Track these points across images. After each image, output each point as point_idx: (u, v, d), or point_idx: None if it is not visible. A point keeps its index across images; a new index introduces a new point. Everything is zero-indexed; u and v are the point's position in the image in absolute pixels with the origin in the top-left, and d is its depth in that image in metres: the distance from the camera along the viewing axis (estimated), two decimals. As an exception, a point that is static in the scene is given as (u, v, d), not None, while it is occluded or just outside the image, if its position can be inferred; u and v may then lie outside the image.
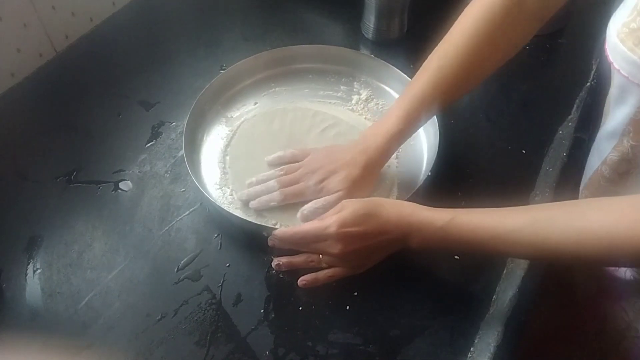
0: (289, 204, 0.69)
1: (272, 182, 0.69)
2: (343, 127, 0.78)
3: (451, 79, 0.65)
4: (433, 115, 0.71)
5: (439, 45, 0.67)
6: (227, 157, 0.76)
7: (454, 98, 0.70)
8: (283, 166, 0.71)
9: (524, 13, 0.64)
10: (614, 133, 0.60)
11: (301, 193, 0.68)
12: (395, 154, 0.75)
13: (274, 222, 0.68)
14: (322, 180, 0.67)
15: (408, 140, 0.76)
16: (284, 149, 0.74)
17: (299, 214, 0.66)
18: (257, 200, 0.69)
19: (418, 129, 0.71)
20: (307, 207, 0.66)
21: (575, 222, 0.52)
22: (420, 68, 0.67)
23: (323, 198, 0.66)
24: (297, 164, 0.71)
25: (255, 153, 0.75)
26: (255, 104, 0.83)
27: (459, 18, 0.66)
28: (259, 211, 0.69)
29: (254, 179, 0.71)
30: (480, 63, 0.66)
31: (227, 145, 0.77)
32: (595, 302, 0.73)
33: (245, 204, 0.70)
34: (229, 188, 0.72)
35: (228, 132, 0.79)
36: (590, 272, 0.73)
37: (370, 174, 0.67)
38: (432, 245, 0.58)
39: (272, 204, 0.68)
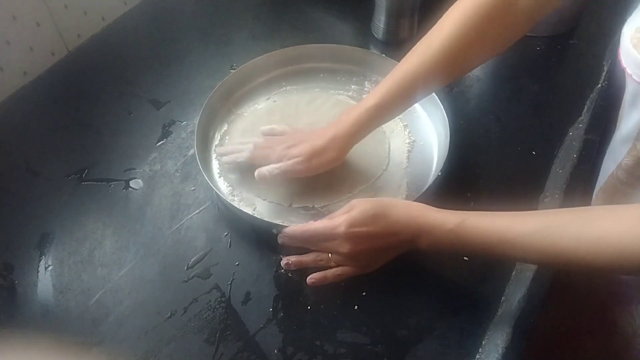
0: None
1: (249, 145, 0.73)
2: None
3: (434, 68, 0.65)
4: (415, 102, 0.72)
5: (427, 34, 0.67)
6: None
7: (435, 87, 0.71)
8: (268, 137, 0.76)
9: (515, 11, 0.63)
10: (628, 137, 0.59)
11: (267, 156, 0.70)
12: (406, 154, 0.75)
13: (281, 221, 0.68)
14: (287, 148, 0.69)
15: (418, 140, 0.77)
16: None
17: (255, 172, 0.69)
18: (228, 156, 0.74)
19: (398, 112, 0.72)
20: (265, 167, 0.69)
21: (586, 229, 0.51)
22: (406, 55, 0.68)
23: (281, 162, 0.68)
24: (278, 137, 0.75)
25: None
26: (267, 98, 0.83)
27: (450, 9, 0.66)
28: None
29: (237, 140, 0.76)
30: (465, 56, 0.66)
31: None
32: (603, 307, 0.73)
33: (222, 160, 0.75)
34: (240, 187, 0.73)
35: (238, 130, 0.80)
36: (599, 276, 0.73)
37: (335, 146, 0.68)
38: (442, 247, 0.58)
39: (239, 160, 0.73)
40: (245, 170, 0.73)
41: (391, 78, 0.67)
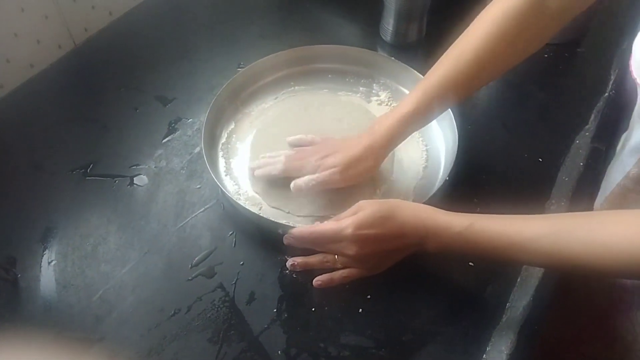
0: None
1: (280, 157, 0.71)
2: (357, 113, 0.81)
3: (467, 74, 0.65)
4: (447, 108, 0.71)
5: (457, 39, 0.66)
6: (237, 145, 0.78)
7: (469, 92, 0.70)
8: (297, 147, 0.74)
9: (545, 14, 0.63)
10: (637, 148, 0.59)
11: (301, 167, 0.69)
12: (422, 162, 0.75)
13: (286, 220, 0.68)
14: (322, 158, 0.68)
15: (426, 143, 0.77)
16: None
17: (292, 184, 0.68)
18: (261, 169, 0.72)
19: (431, 119, 0.71)
20: (301, 179, 0.68)
21: (595, 233, 0.51)
22: (438, 61, 0.67)
23: (317, 173, 0.67)
24: (309, 147, 0.73)
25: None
26: (276, 98, 0.83)
27: (481, 13, 0.66)
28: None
29: (267, 154, 0.74)
30: (497, 61, 0.65)
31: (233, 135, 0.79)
32: (603, 313, 0.72)
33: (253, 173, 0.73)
34: (245, 184, 0.73)
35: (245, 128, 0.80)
36: (601, 282, 0.73)
37: (371, 155, 0.67)
38: (449, 250, 0.58)
39: (273, 173, 0.71)
40: (274, 184, 0.72)
41: (425, 84, 0.66)
